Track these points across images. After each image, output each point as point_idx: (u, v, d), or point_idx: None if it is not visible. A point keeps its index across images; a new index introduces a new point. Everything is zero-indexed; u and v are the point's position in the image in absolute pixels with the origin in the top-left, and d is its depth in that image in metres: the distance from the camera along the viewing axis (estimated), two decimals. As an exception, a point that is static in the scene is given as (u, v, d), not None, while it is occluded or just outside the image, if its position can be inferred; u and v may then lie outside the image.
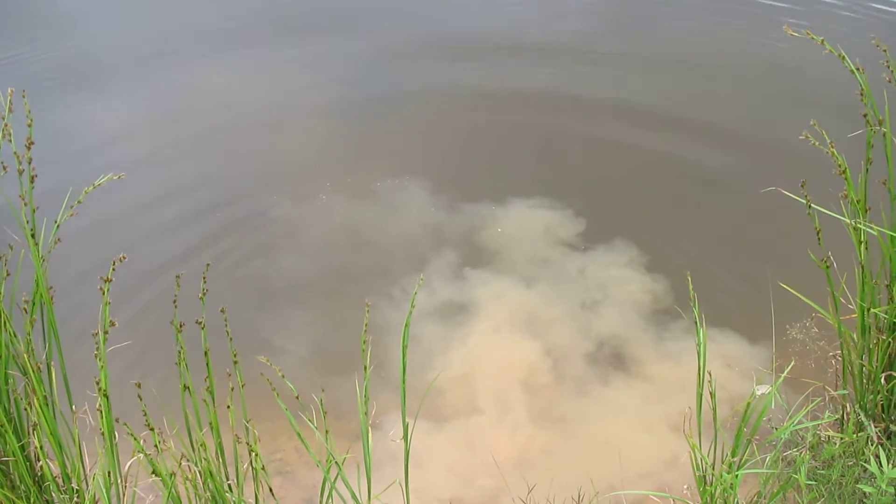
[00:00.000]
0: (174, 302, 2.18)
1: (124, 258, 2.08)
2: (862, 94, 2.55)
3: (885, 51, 2.56)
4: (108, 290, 2.12)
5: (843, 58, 2.55)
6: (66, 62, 6.92)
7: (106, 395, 2.20)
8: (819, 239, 2.69)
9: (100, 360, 2.16)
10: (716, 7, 7.18)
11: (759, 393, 2.50)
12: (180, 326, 2.19)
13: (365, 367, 2.35)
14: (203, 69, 6.73)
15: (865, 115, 2.56)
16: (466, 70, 6.52)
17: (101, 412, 2.23)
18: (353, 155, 5.65)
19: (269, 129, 5.97)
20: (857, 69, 2.56)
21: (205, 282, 2.23)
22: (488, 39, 6.92)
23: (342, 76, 6.51)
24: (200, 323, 2.20)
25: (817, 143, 2.58)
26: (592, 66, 6.49)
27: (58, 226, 2.27)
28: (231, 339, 2.27)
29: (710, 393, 2.49)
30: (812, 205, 2.61)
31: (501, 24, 7.25)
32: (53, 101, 6.30)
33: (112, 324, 2.15)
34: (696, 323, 2.48)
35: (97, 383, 2.16)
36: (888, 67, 2.56)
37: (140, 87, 6.53)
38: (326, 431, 2.38)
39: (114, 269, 2.11)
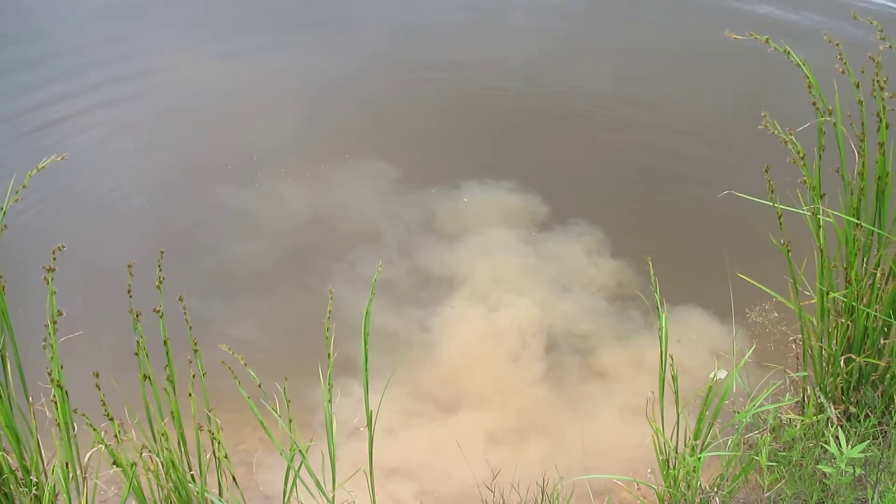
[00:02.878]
0: (128, 291, 2.15)
1: (63, 247, 2.05)
2: (809, 86, 2.59)
3: (837, 45, 2.61)
4: (51, 279, 2.09)
5: (789, 53, 2.59)
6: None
7: (59, 386, 2.17)
8: (781, 224, 2.72)
9: (50, 350, 2.12)
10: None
11: (714, 377, 2.53)
12: (137, 316, 2.16)
13: (328, 355, 2.34)
14: (158, 53, 6.61)
15: (814, 104, 2.60)
16: (434, 57, 6.51)
17: (56, 403, 2.20)
18: (309, 141, 5.60)
19: (227, 116, 5.88)
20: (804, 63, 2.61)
21: (160, 269, 2.20)
22: (457, 27, 6.91)
23: (302, 62, 6.46)
24: (158, 311, 2.17)
25: (776, 131, 2.61)
26: (564, 55, 6.51)
27: (3, 212, 2.22)
28: (191, 327, 2.24)
29: (673, 377, 2.52)
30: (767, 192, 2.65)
31: (471, 12, 7.24)
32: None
33: (60, 313, 2.13)
34: (657, 307, 2.51)
35: (49, 374, 2.12)
36: (840, 59, 2.60)
37: (93, 72, 6.37)
38: (290, 420, 2.37)
39: (54, 259, 2.08)
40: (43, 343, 2.18)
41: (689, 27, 6.77)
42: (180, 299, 2.22)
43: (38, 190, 4.63)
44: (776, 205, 2.65)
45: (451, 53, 6.54)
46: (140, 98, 6.07)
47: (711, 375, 2.53)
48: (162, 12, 7.29)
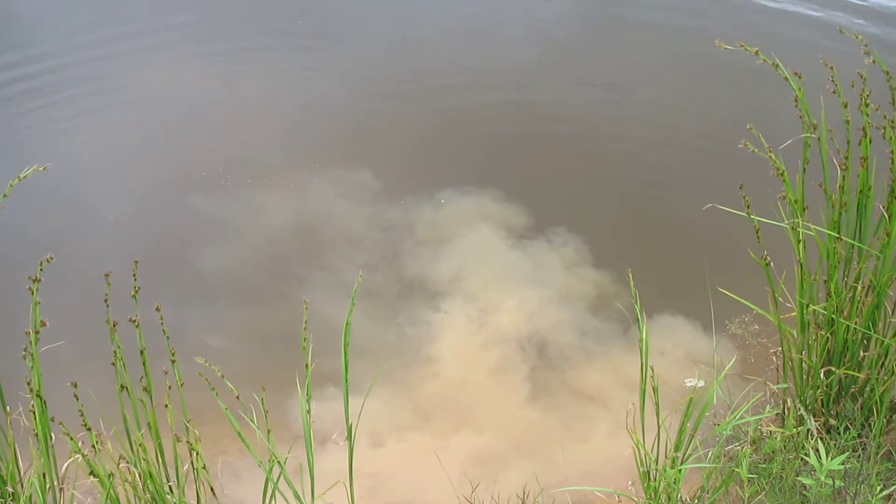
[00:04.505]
0: (105, 301, 2.14)
1: (51, 259, 2.04)
2: (796, 100, 2.61)
3: (825, 63, 2.63)
4: (37, 289, 2.08)
5: (777, 65, 2.61)
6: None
7: (39, 396, 2.16)
8: (758, 238, 2.73)
9: (31, 360, 2.11)
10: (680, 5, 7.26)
11: (688, 385, 2.54)
12: (114, 325, 2.15)
13: (307, 365, 2.33)
14: (143, 63, 6.60)
15: (801, 117, 2.62)
16: (421, 67, 6.52)
17: (34, 413, 2.18)
18: (292, 150, 5.58)
19: (209, 125, 5.87)
20: (797, 74, 2.62)
21: (135, 279, 2.19)
22: (442, 36, 6.93)
23: (289, 72, 6.46)
24: (134, 321, 2.17)
25: (755, 149, 2.63)
26: (552, 64, 6.54)
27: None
28: (168, 337, 2.23)
29: (653, 388, 2.52)
30: (750, 206, 2.66)
31: (458, 20, 7.26)
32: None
33: (43, 324, 2.11)
34: (637, 319, 2.51)
35: (28, 383, 2.11)
36: (830, 72, 2.62)
37: (74, 81, 6.35)
38: (268, 431, 2.36)
39: (41, 270, 2.07)
40: (23, 353, 2.17)
41: (683, 42, 6.78)
42: (157, 309, 2.22)
43: (20, 198, 4.61)
44: (752, 216, 2.66)
45: (439, 65, 6.54)
46: (122, 107, 6.07)
47: (687, 383, 2.53)
48: (148, 22, 7.28)
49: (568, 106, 5.98)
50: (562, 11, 7.40)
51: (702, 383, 3.68)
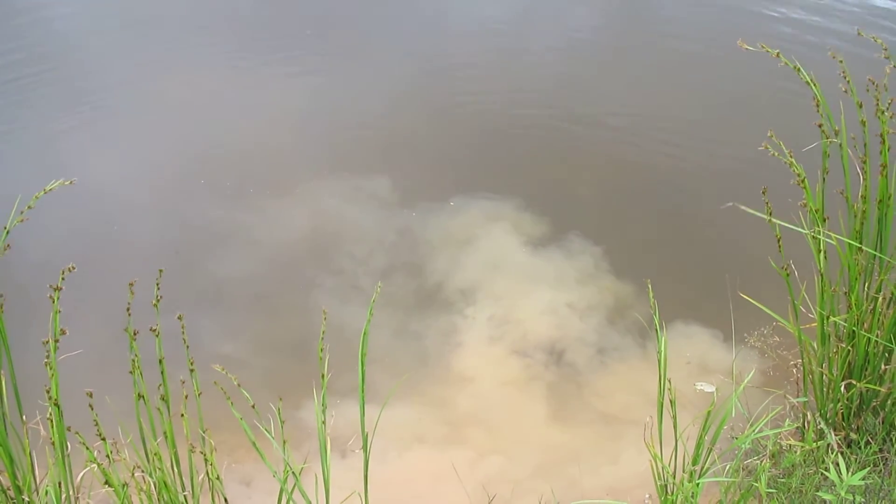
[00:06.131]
0: (128, 310, 2.14)
1: (73, 268, 2.04)
2: (817, 105, 2.58)
3: (841, 61, 2.60)
4: (58, 297, 2.08)
5: (799, 70, 2.58)
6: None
7: (57, 405, 2.16)
8: (780, 247, 2.71)
9: (50, 368, 2.11)
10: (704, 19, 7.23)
11: (698, 388, 2.51)
12: (134, 334, 2.15)
13: (322, 376, 2.32)
14: (164, 71, 6.64)
15: (821, 125, 2.59)
16: (440, 74, 6.53)
17: (52, 422, 2.18)
18: (311, 160, 5.59)
19: (227, 135, 5.87)
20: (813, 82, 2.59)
21: (158, 288, 2.19)
22: (463, 47, 6.94)
23: (300, 78, 6.48)
24: (155, 331, 2.16)
25: (776, 153, 2.60)
26: (573, 74, 6.53)
27: (7, 232, 2.22)
28: (188, 346, 2.23)
29: (671, 401, 2.49)
30: (772, 214, 2.64)
31: (480, 30, 7.26)
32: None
33: (63, 332, 2.11)
34: (656, 331, 2.49)
35: (47, 392, 2.11)
36: (844, 77, 2.59)
37: (93, 89, 6.40)
38: (284, 441, 2.35)
39: (63, 279, 2.07)
40: (45, 360, 2.16)
41: (708, 53, 6.75)
42: (179, 318, 2.21)
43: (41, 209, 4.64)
44: (771, 219, 2.62)
45: (464, 77, 6.53)
46: (141, 115, 6.11)
47: (697, 386, 2.51)
48: (172, 29, 7.34)
49: (591, 117, 5.96)
50: (593, 24, 7.38)
51: (713, 388, 3.65)
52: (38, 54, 6.91)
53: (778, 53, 2.55)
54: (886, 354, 2.83)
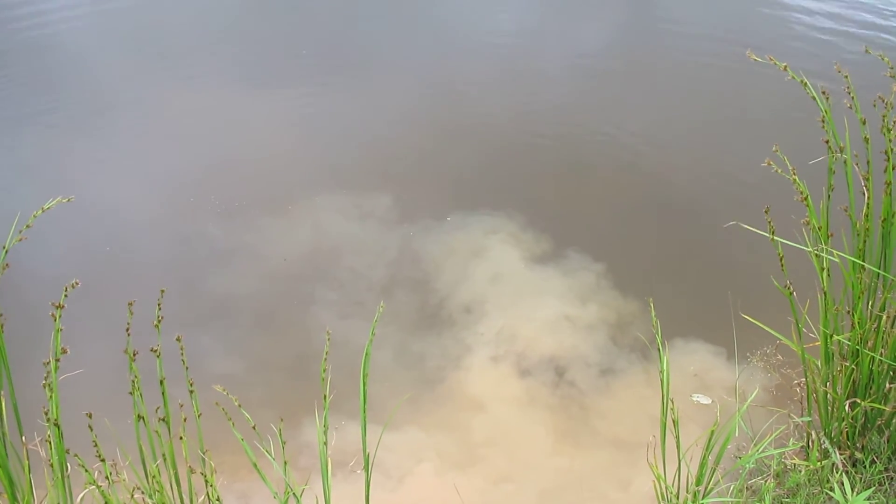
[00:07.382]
0: (127, 330, 2.13)
1: (77, 284, 2.03)
2: (823, 121, 2.57)
3: (846, 76, 2.58)
4: (59, 316, 2.07)
5: (806, 84, 2.57)
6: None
7: (56, 425, 2.14)
8: (782, 265, 2.69)
9: (50, 388, 2.10)
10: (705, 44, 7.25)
11: (694, 400, 2.50)
12: (134, 354, 2.14)
13: (325, 397, 2.31)
14: (165, 89, 6.67)
15: (827, 142, 2.58)
16: (443, 90, 6.54)
17: (51, 443, 2.17)
18: (312, 175, 5.62)
19: (225, 150, 5.90)
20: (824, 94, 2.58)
21: (159, 308, 2.18)
22: (465, 65, 6.96)
23: (303, 97, 6.50)
24: (156, 351, 2.15)
25: (779, 170, 2.59)
26: (575, 92, 6.55)
27: (6, 251, 2.21)
28: (187, 368, 2.22)
29: (674, 421, 2.47)
30: (775, 233, 2.62)
31: (482, 48, 7.29)
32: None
33: (64, 351, 2.10)
34: (658, 350, 2.48)
35: (45, 413, 2.10)
36: (848, 93, 2.58)
37: (101, 110, 6.44)
38: (285, 462, 2.33)
39: (66, 296, 2.06)
40: (44, 382, 2.15)
41: (710, 71, 6.76)
42: (178, 339, 2.20)
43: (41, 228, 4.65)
44: (774, 237, 2.61)
45: (469, 96, 6.55)
46: (143, 134, 6.13)
47: (693, 398, 2.49)
48: (175, 48, 7.38)
49: (594, 135, 5.97)
50: (597, 45, 7.40)
51: (709, 400, 3.63)
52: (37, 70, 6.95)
53: (786, 67, 2.54)
54: (891, 373, 2.80)
